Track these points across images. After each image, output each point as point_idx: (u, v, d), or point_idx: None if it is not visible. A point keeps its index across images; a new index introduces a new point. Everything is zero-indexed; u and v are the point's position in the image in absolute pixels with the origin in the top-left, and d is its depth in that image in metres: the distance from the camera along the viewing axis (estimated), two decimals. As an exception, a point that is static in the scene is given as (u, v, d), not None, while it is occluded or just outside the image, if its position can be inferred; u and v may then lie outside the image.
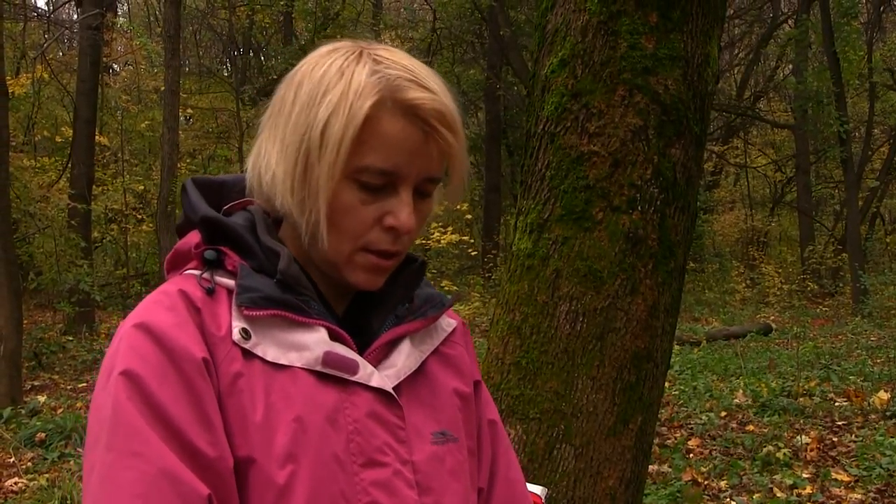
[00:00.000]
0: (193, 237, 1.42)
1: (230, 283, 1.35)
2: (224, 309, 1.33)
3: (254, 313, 1.32)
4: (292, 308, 1.34)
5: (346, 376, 1.34)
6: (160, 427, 1.22)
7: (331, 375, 1.34)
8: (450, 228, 20.18)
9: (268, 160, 1.37)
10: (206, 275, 1.36)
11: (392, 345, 1.43)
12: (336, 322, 1.39)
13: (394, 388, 1.38)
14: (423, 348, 1.48)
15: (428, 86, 1.33)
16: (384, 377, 1.38)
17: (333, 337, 1.36)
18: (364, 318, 1.46)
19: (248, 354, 1.31)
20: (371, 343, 1.41)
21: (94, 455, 1.23)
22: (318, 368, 1.33)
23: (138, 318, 1.29)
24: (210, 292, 1.34)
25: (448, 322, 1.57)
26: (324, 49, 1.40)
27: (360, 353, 1.39)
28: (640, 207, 2.69)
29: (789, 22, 26.25)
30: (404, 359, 1.43)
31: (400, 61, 1.35)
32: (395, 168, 1.32)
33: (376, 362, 1.39)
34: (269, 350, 1.32)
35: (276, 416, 1.28)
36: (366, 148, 1.30)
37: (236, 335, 1.31)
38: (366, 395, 1.35)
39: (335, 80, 1.32)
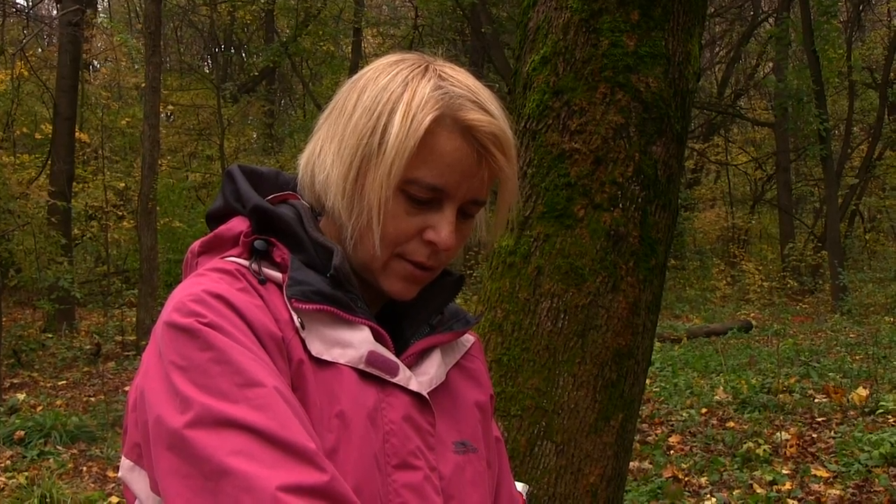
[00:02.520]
0: (238, 224, 1.41)
1: (277, 275, 1.36)
2: (278, 298, 1.33)
3: (303, 306, 1.32)
4: (341, 305, 1.35)
5: (386, 377, 1.35)
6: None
7: (371, 375, 1.34)
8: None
9: (323, 160, 1.38)
10: (254, 265, 1.35)
11: (425, 353, 1.45)
12: (378, 323, 1.40)
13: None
14: (447, 360, 1.50)
15: (488, 108, 1.35)
16: (419, 383, 1.39)
17: (376, 337, 1.37)
18: (396, 324, 1.47)
19: (303, 344, 1.31)
20: (404, 349, 1.43)
21: (206, 402, 1.16)
22: (362, 367, 1.33)
23: (208, 287, 1.26)
24: (262, 283, 1.34)
25: (466, 337, 1.59)
26: (391, 58, 1.41)
27: (397, 357, 1.40)
28: (621, 205, 2.69)
29: (770, 20, 26.37)
30: (435, 368, 1.45)
31: (464, 81, 1.37)
32: (445, 186, 1.34)
33: (409, 368, 1.40)
34: (314, 344, 1.32)
35: (321, 410, 1.29)
36: (419, 161, 1.32)
37: (297, 322, 1.31)
38: (403, 398, 1.36)
39: (399, 91, 1.33)
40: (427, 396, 1.38)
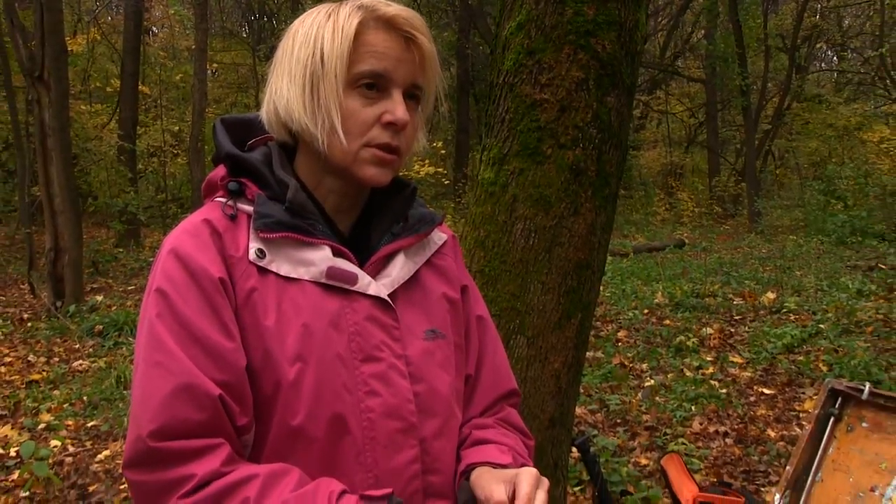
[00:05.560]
0: (221, 170, 1.40)
1: (250, 209, 1.34)
2: (243, 232, 1.33)
3: (268, 235, 1.31)
4: (300, 230, 1.33)
5: (346, 286, 1.33)
6: (183, 335, 1.23)
7: (334, 286, 1.33)
8: (427, 162, 20.19)
9: (279, 91, 1.36)
10: (230, 203, 1.35)
11: (388, 258, 1.41)
12: (340, 241, 1.38)
13: (390, 295, 1.37)
14: (417, 259, 1.47)
15: (398, 5, 1.34)
16: (380, 286, 1.37)
17: (336, 253, 1.35)
18: (365, 236, 1.44)
19: (262, 271, 1.31)
20: (370, 257, 1.40)
21: (137, 358, 1.26)
22: (323, 280, 1.32)
23: (171, 243, 1.30)
24: (233, 218, 1.33)
25: (439, 236, 1.55)
26: (310, 10, 1.39)
27: (362, 266, 1.37)
28: (581, 145, 2.67)
29: (703, -6, 26.01)
30: (398, 270, 1.41)
31: None
32: (385, 71, 1.32)
33: (375, 273, 1.38)
34: (282, 266, 1.31)
35: (287, 322, 1.28)
36: (357, 59, 1.31)
37: (252, 255, 1.31)
38: (364, 301, 1.34)
39: (324, 20, 1.33)
40: (387, 298, 1.36)
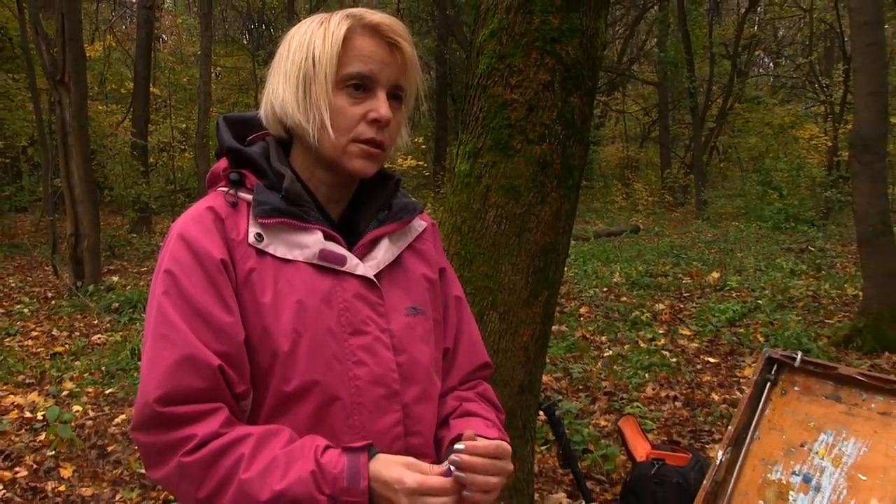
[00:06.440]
0: (223, 163, 1.40)
1: (249, 197, 1.34)
2: (243, 218, 1.32)
3: (266, 221, 1.31)
4: (295, 216, 1.33)
5: (337, 267, 1.33)
6: (188, 311, 1.23)
7: (326, 267, 1.33)
8: (409, 156, 20.17)
9: (275, 90, 1.35)
10: (231, 191, 1.35)
11: (374, 242, 1.41)
12: (331, 226, 1.38)
13: (376, 275, 1.37)
14: (400, 244, 1.46)
15: (383, 14, 1.34)
16: (367, 267, 1.37)
17: (328, 237, 1.35)
18: (354, 223, 1.44)
19: (261, 253, 1.30)
20: (358, 241, 1.39)
21: (146, 332, 1.26)
22: (316, 262, 1.32)
23: (178, 228, 1.29)
24: (234, 205, 1.32)
25: (420, 223, 1.54)
26: (305, 19, 1.38)
27: (351, 249, 1.37)
28: (548, 140, 2.66)
29: (655, 7, 26.02)
30: (383, 253, 1.41)
31: (360, 8, 1.36)
32: (370, 73, 1.31)
33: (362, 256, 1.38)
34: (278, 248, 1.31)
35: (283, 299, 1.28)
36: (345, 62, 1.30)
37: (251, 238, 1.30)
38: (353, 281, 1.34)
39: (317, 26, 1.33)
40: (373, 278, 1.36)
